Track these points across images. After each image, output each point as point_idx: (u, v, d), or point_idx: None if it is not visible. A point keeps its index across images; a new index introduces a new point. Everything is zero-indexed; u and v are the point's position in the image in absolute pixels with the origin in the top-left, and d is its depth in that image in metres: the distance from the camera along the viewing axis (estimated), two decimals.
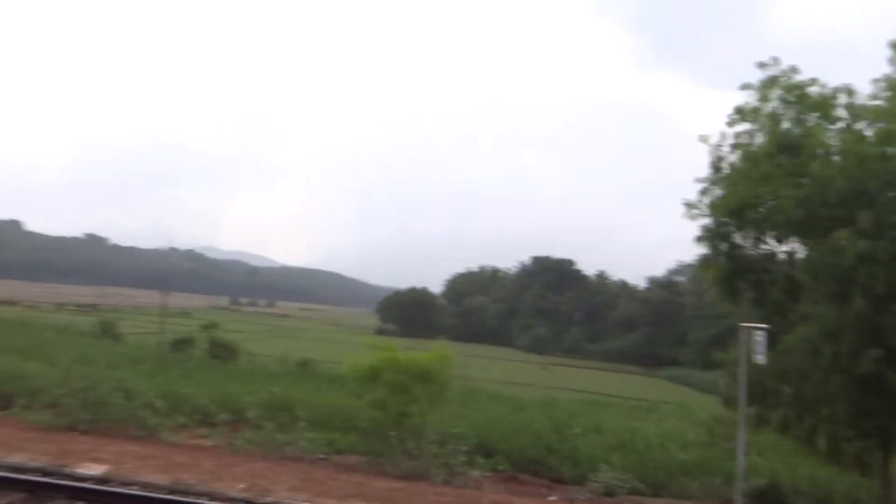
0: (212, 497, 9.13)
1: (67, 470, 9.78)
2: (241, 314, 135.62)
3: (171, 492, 9.16)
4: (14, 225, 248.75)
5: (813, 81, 12.79)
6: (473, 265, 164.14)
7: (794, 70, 12.92)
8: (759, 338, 10.73)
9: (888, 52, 12.12)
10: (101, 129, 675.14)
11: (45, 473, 9.47)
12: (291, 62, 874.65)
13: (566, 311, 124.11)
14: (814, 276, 11.53)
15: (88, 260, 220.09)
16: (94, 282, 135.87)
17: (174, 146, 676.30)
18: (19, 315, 44.70)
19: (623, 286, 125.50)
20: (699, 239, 13.68)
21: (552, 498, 13.22)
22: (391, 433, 13.71)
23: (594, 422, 19.29)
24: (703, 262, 14.07)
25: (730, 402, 13.18)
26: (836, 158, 12.13)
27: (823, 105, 12.66)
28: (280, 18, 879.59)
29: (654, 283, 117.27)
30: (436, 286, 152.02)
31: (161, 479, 9.77)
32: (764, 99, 13.08)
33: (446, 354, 15.18)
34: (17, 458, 10.10)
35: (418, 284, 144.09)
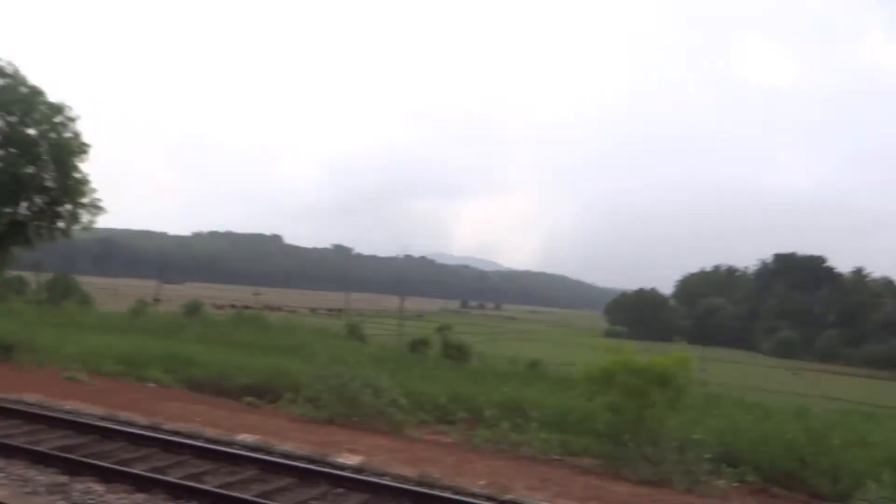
0: (456, 491, 9.50)
1: (329, 459, 10.76)
2: (470, 317, 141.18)
3: (419, 484, 9.66)
4: (276, 239, 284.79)
5: None
6: (707, 264, 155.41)
7: None
8: None
9: None
10: (348, 148, 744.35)
11: (311, 461, 10.49)
12: (512, 73, 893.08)
13: (817, 312, 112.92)
14: None
15: (336, 268, 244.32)
16: (341, 288, 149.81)
17: (409, 160, 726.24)
18: (283, 319, 50.62)
19: (887, 284, 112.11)
20: None
21: None
22: (627, 437, 13.30)
23: (857, 433, 17.07)
24: None
25: None
26: None
27: None
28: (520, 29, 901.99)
29: None
30: (662, 287, 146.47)
31: (409, 471, 10.35)
32: None
33: (685, 358, 14.38)
34: (287, 447, 11.33)
35: (645, 285, 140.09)
